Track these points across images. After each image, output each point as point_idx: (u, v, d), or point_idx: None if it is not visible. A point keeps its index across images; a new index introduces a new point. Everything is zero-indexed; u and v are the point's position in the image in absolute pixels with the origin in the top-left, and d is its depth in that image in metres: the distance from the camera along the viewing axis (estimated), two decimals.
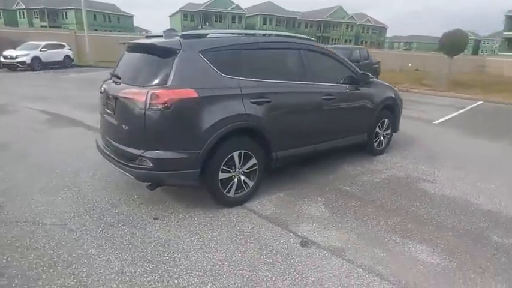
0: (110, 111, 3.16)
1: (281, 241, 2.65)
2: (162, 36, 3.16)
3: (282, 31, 61.14)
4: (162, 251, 2.47)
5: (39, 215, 2.90)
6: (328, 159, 4.45)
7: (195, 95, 2.75)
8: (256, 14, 60.99)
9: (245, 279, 2.20)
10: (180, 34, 3.03)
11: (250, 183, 3.23)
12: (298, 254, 2.48)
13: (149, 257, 2.39)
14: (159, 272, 2.24)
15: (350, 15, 69.33)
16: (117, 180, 3.62)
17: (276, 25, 63.06)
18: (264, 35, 3.76)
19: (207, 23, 58.96)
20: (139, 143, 2.81)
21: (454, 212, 3.24)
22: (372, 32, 74.12)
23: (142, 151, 2.78)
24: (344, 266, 2.37)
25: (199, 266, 2.32)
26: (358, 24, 70.97)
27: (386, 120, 4.79)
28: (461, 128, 7.08)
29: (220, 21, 60.26)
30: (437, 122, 7.66)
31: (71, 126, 5.92)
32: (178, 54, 2.80)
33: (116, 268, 2.26)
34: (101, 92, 3.39)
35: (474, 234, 2.87)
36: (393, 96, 4.87)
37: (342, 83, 4.09)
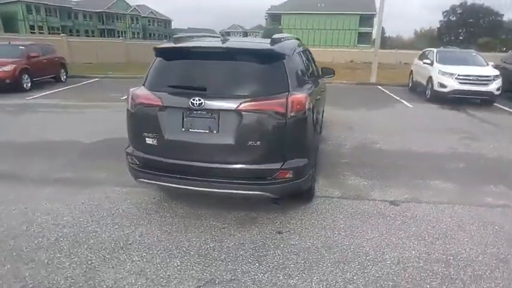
0: (197, 130, 2.78)
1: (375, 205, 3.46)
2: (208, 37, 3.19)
3: (56, 22, 52.54)
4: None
5: None
6: None
7: (309, 99, 2.91)
8: (17, 1, 48.79)
9: None
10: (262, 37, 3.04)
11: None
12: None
13: None
14: None
15: (133, 7, 67.20)
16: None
17: (47, 15, 52.99)
18: None
19: None
20: (277, 156, 2.72)
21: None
22: (158, 25, 75.02)
23: (281, 163, 2.72)
24: None
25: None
26: (144, 17, 69.98)
27: None
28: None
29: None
30: None
31: None
32: (285, 60, 2.83)
33: None
34: (160, 108, 2.80)
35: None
36: None
37: None
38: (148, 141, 2.88)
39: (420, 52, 12.32)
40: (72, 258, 2.58)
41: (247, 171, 2.76)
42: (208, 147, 2.77)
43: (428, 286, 2.35)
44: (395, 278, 2.41)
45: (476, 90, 8.90)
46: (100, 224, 3.06)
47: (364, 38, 55.78)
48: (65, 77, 12.79)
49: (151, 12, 72.48)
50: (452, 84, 9.03)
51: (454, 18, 58.03)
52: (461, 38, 56.30)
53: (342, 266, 2.55)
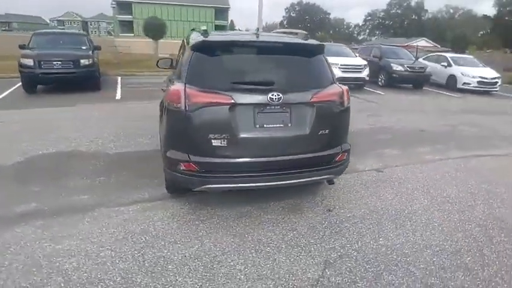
0: (273, 125, 2.84)
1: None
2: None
3: None
4: None
5: None
6: None
7: None
8: None
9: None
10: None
11: None
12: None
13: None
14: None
15: None
16: None
17: None
18: None
19: None
20: (337, 141, 3.04)
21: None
22: None
23: (339, 147, 3.07)
24: None
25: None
26: None
27: None
28: None
29: None
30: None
31: None
32: (324, 54, 3.13)
33: None
34: (231, 107, 2.72)
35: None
36: None
37: None
38: (216, 143, 2.73)
39: None
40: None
41: (318, 158, 3.01)
42: (282, 140, 2.87)
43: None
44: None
45: (354, 77, 11.12)
46: (159, 246, 2.70)
47: (219, 30, 58.21)
48: None
49: None
50: (337, 73, 10.99)
51: (294, 14, 67.23)
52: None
53: (393, 223, 3.20)
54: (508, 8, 40.85)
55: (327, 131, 2.96)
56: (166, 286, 2.28)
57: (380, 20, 63.51)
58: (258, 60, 2.97)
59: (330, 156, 3.08)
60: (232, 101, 2.70)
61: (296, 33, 3.62)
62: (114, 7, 53.89)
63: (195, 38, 3.12)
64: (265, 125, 2.81)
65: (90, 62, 9.01)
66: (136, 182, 3.80)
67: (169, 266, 2.47)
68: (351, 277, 2.44)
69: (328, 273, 2.47)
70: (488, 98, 12.07)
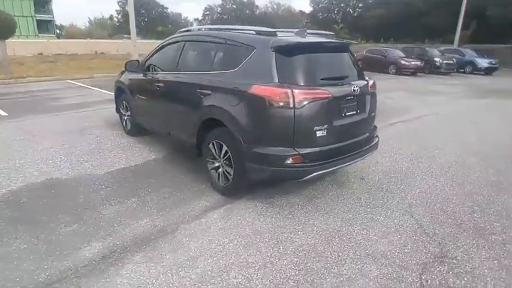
0: (350, 113, 3.26)
1: None
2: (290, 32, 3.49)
3: None
4: None
5: None
6: None
7: None
8: None
9: None
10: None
11: None
12: None
13: None
14: None
15: None
16: None
17: None
18: None
19: None
20: (374, 122, 3.65)
21: None
22: None
23: (374, 126, 3.71)
24: None
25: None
26: None
27: None
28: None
29: None
30: None
31: None
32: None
33: None
34: (329, 100, 3.01)
35: None
36: None
37: None
38: (319, 133, 2.98)
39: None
40: None
41: (369, 137, 3.60)
42: (355, 125, 3.34)
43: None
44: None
45: None
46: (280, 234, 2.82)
47: (44, 26, 49.19)
48: None
49: None
50: None
51: (126, 8, 62.81)
52: (141, 26, 62.47)
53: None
54: (320, 6, 50.58)
55: (373, 114, 3.62)
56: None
57: (218, 15, 66.95)
58: (327, 58, 3.35)
59: (373, 134, 3.72)
60: (330, 95, 3.01)
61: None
62: None
63: (251, 37, 3.30)
64: (347, 113, 3.23)
65: None
66: (185, 195, 3.51)
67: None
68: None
69: None
70: None
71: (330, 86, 3.09)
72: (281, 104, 2.84)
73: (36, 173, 3.95)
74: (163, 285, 2.23)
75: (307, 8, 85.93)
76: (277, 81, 2.91)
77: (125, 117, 5.45)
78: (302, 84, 2.96)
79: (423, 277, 2.37)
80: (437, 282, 2.32)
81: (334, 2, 50.02)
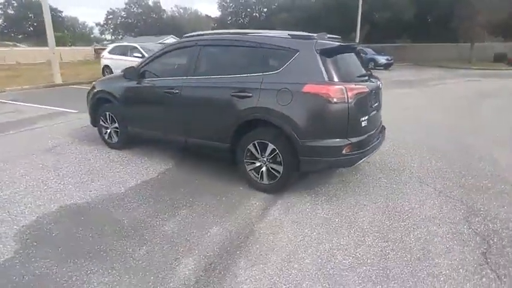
0: (375, 105, 3.74)
1: None
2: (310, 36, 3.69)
3: None
4: None
5: None
6: None
7: None
8: None
9: None
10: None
11: None
12: None
13: None
14: None
15: None
16: None
17: None
18: None
19: None
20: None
21: None
22: None
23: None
24: None
25: None
26: None
27: None
28: None
29: None
30: None
31: None
32: None
33: None
34: (367, 94, 3.45)
35: None
36: None
37: None
38: (364, 123, 3.39)
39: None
40: None
41: (382, 126, 4.16)
42: (376, 115, 3.85)
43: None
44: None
45: None
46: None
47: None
48: None
49: None
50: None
51: (13, 11, 54.51)
52: (29, 32, 54.63)
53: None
54: (228, 10, 51.67)
55: (381, 107, 4.16)
56: None
57: (122, 19, 62.61)
58: (351, 58, 3.76)
59: (382, 125, 4.25)
60: (368, 89, 3.47)
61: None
62: None
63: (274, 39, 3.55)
64: (373, 105, 3.69)
65: None
66: (231, 199, 3.52)
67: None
68: None
69: None
70: None
71: (363, 82, 3.54)
72: (337, 99, 3.13)
73: (40, 202, 3.40)
74: (289, 279, 2.31)
75: (215, 12, 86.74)
76: (327, 79, 3.17)
77: (108, 130, 4.98)
78: (345, 80, 3.30)
79: (472, 227, 2.94)
80: (483, 227, 2.93)
81: (242, 7, 51.67)
